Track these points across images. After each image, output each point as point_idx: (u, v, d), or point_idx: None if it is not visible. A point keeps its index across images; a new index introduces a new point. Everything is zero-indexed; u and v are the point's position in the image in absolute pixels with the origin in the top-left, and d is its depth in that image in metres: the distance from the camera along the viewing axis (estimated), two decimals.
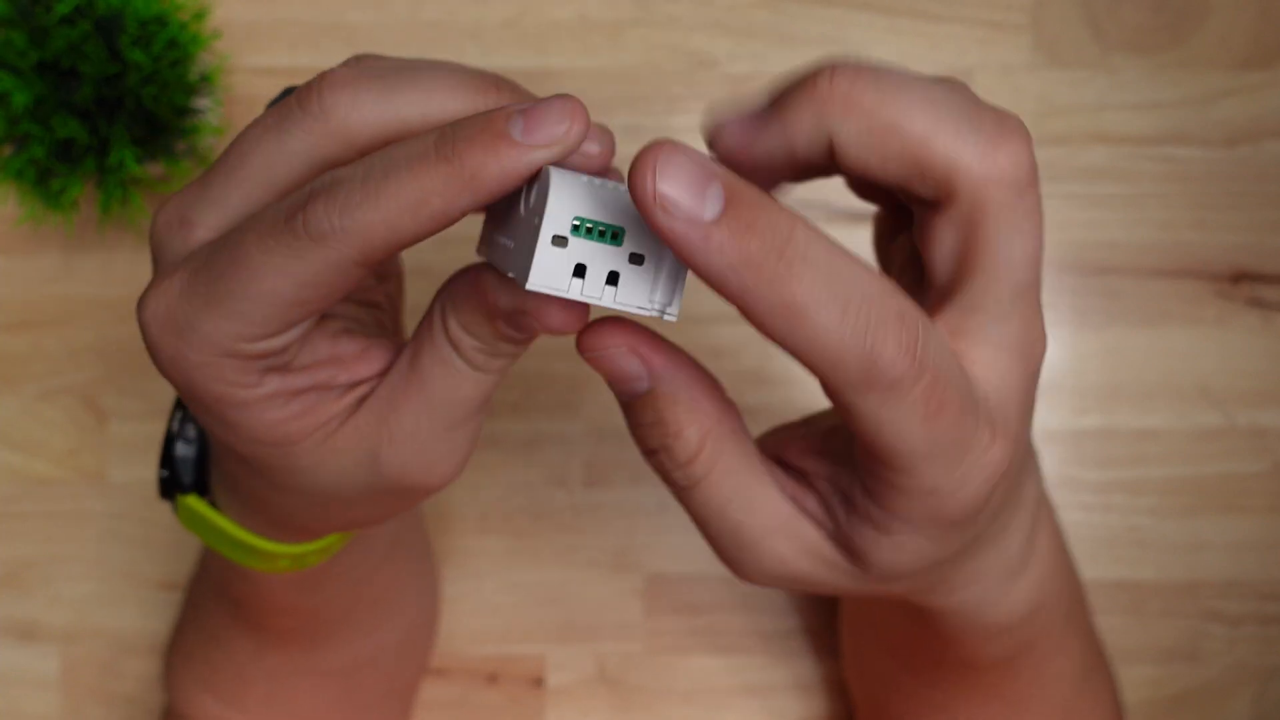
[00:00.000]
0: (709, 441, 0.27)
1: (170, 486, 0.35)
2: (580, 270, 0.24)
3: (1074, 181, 0.51)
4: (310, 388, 0.27)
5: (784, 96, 0.25)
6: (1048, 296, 0.51)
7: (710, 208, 0.22)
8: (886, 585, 0.29)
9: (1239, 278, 0.51)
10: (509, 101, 0.26)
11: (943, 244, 0.26)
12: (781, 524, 0.28)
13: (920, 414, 0.24)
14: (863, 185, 0.30)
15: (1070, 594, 0.36)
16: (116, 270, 0.51)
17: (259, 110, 0.51)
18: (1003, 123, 0.25)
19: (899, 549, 0.27)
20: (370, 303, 0.31)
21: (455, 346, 0.27)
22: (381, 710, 0.46)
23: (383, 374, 0.28)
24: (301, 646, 0.41)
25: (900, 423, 0.24)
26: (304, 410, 0.27)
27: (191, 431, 0.35)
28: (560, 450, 0.51)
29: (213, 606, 0.42)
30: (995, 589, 0.31)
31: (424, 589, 0.46)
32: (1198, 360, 0.51)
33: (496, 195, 0.24)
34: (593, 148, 0.27)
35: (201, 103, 0.48)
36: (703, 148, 0.51)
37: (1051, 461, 0.51)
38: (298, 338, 0.27)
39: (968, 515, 0.26)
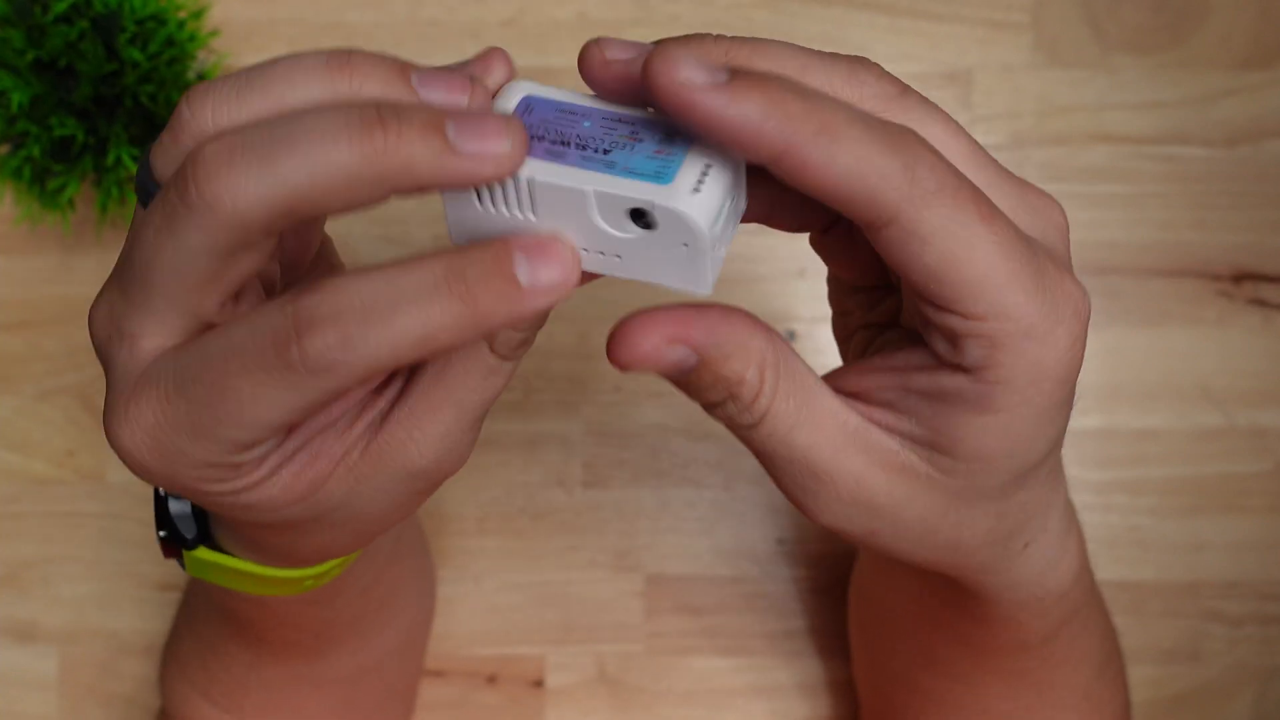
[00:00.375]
0: (767, 372, 0.26)
1: (173, 543, 0.34)
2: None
3: (1074, 181, 0.51)
4: (306, 441, 0.27)
5: (748, 83, 0.24)
6: None
7: (722, 74, 0.23)
8: (973, 525, 0.28)
9: (1240, 277, 0.51)
10: (402, 137, 0.24)
11: (913, 256, 0.25)
12: (852, 435, 0.27)
13: (977, 217, 0.24)
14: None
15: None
16: None
17: None
18: (924, 147, 0.24)
19: (997, 430, 0.26)
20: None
21: (490, 342, 0.27)
22: (382, 713, 0.46)
23: (385, 387, 0.28)
24: (305, 658, 0.40)
25: (963, 235, 0.24)
26: (313, 458, 0.27)
27: None
28: (560, 450, 0.51)
29: (210, 617, 0.41)
30: (1057, 547, 0.31)
31: (424, 587, 0.46)
32: (1198, 360, 0.51)
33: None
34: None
35: None
36: None
37: None
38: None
39: (1069, 369, 0.26)
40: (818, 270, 0.51)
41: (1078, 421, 0.51)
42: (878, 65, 0.26)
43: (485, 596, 0.51)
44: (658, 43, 0.25)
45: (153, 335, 0.26)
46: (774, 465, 0.28)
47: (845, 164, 0.23)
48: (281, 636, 0.39)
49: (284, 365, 0.24)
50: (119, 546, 0.51)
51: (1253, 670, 0.51)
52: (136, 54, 0.45)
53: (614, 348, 0.26)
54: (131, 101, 0.46)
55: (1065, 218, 0.27)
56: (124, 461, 0.26)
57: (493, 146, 0.23)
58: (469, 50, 0.51)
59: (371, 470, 0.28)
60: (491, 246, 0.24)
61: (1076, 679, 0.37)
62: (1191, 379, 0.51)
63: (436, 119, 0.23)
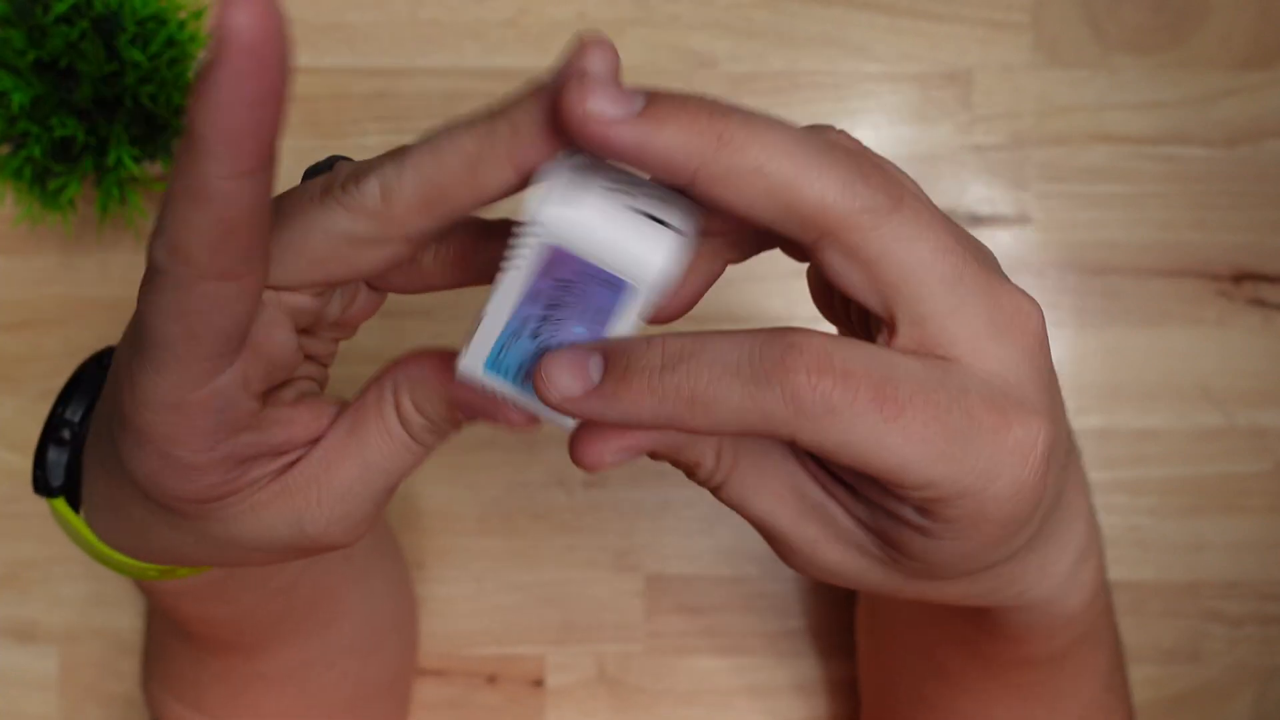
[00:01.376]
0: (724, 452, 0.27)
1: (40, 486, 0.34)
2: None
3: (1074, 181, 0.51)
4: (255, 455, 0.27)
5: (662, 104, 0.24)
6: (1048, 296, 0.51)
7: (595, 375, 0.24)
8: (940, 590, 0.28)
9: (1240, 277, 0.51)
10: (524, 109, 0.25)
11: (850, 276, 0.25)
12: (810, 508, 0.27)
13: (880, 417, 0.23)
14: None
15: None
16: (115, 270, 0.51)
17: None
18: (861, 162, 0.24)
19: (949, 552, 0.26)
20: (322, 360, 0.30)
21: (404, 423, 0.28)
22: (354, 712, 0.46)
23: (316, 438, 0.28)
24: (238, 653, 0.40)
25: (870, 437, 0.24)
26: (243, 473, 0.27)
27: (66, 434, 0.34)
28: (560, 450, 0.51)
29: (156, 617, 0.42)
30: (1069, 579, 0.31)
31: (375, 590, 0.46)
32: (1198, 360, 0.51)
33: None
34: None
35: None
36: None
37: None
38: (236, 382, 0.26)
39: (1017, 510, 0.25)
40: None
41: (1078, 421, 0.51)
42: (890, 168, 0.25)
43: (485, 596, 0.51)
44: (651, 97, 0.24)
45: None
46: (744, 517, 0.29)
47: (725, 421, 0.24)
48: (201, 631, 0.39)
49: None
50: None
51: (1253, 670, 0.51)
52: (137, 54, 0.45)
53: (576, 458, 0.27)
54: (132, 102, 0.46)
55: (1041, 321, 0.26)
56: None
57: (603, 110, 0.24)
58: (469, 51, 0.51)
59: (268, 504, 0.28)
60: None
61: (1085, 693, 0.37)
62: (1191, 379, 0.51)
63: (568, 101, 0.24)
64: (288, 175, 0.51)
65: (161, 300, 0.23)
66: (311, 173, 0.28)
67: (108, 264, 0.51)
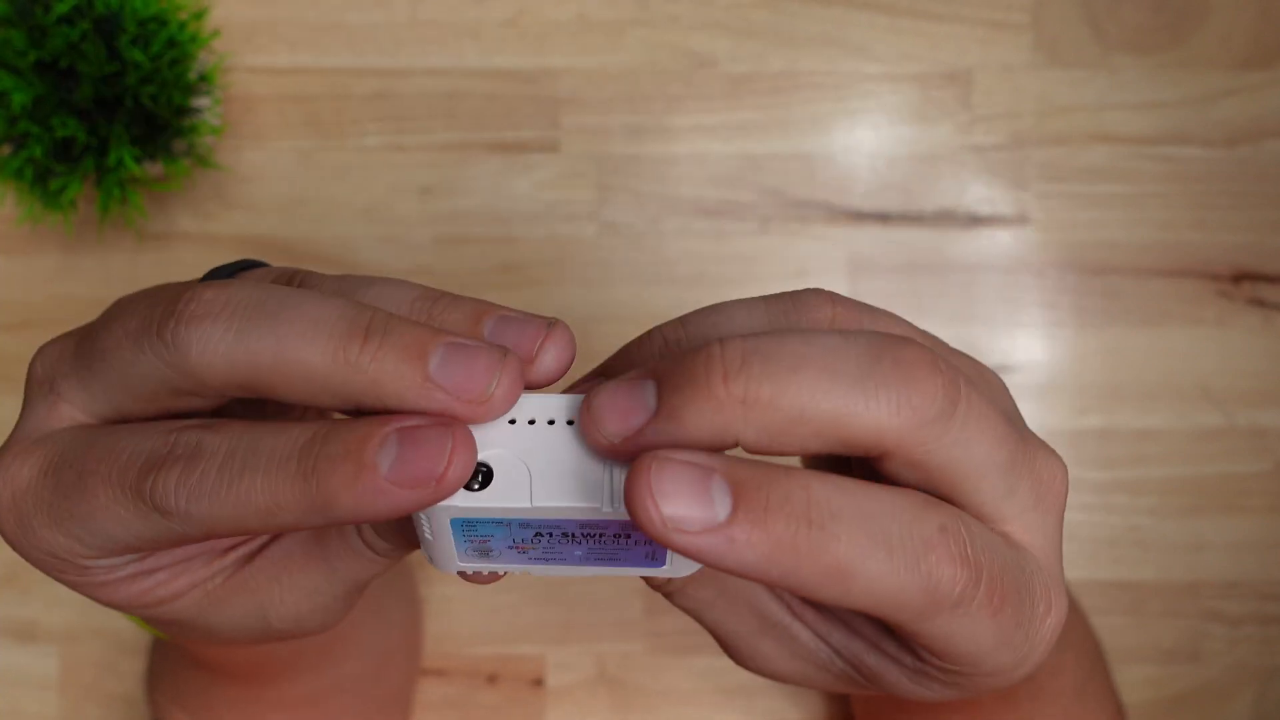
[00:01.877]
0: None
1: None
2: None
3: (1074, 181, 0.51)
4: (174, 562, 0.26)
5: (673, 392, 0.21)
6: (1048, 296, 0.51)
7: (721, 508, 0.20)
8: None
9: (1239, 277, 0.51)
10: (376, 356, 0.22)
11: (908, 478, 0.23)
12: (768, 628, 0.26)
13: (987, 615, 0.22)
14: None
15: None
16: (115, 270, 0.51)
17: (258, 110, 0.51)
18: (902, 364, 0.22)
19: (931, 694, 0.25)
20: None
21: (369, 545, 0.26)
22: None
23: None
24: (255, 682, 0.40)
25: (969, 630, 0.22)
26: (172, 577, 0.26)
27: None
28: None
29: (168, 644, 0.41)
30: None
31: (387, 620, 0.45)
32: (1198, 360, 0.51)
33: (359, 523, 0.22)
34: (548, 365, 0.24)
35: (200, 102, 0.48)
36: (689, 145, 0.51)
37: None
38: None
39: (1023, 677, 0.25)
40: (817, 270, 0.51)
41: (1078, 421, 0.51)
42: (935, 364, 0.22)
43: (485, 596, 0.51)
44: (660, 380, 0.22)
45: (77, 407, 0.25)
46: (695, 618, 0.27)
47: (860, 598, 0.21)
48: (219, 663, 0.38)
49: (137, 493, 0.22)
50: None
51: (1252, 670, 0.51)
52: (138, 55, 0.45)
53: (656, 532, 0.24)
54: (133, 102, 0.46)
55: (1067, 483, 0.25)
56: None
57: (478, 386, 0.21)
58: (469, 51, 0.51)
59: (228, 599, 0.27)
60: (362, 422, 0.21)
61: (1054, 709, 0.36)
62: (1191, 379, 0.51)
63: (422, 342, 0.21)
64: (289, 170, 0.51)
65: (131, 520, 0.23)
66: (215, 274, 0.27)
67: (108, 264, 0.51)
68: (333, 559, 0.26)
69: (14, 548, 0.25)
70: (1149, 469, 0.51)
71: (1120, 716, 0.40)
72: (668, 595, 0.27)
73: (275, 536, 0.27)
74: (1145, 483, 0.51)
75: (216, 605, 0.27)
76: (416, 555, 0.51)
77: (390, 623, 0.46)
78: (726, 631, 0.27)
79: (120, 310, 0.24)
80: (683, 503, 0.20)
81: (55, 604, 0.51)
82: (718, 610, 0.26)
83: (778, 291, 0.24)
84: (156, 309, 0.23)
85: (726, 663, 0.51)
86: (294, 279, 0.25)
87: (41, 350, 0.26)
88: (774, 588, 0.22)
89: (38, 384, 0.25)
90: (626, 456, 0.22)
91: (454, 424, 0.21)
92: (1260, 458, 0.51)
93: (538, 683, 0.51)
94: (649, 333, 0.25)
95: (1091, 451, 0.51)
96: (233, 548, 0.27)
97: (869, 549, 0.21)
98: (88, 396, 0.25)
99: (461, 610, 0.51)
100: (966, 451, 0.22)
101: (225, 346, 0.22)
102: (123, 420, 0.25)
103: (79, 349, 0.25)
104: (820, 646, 0.27)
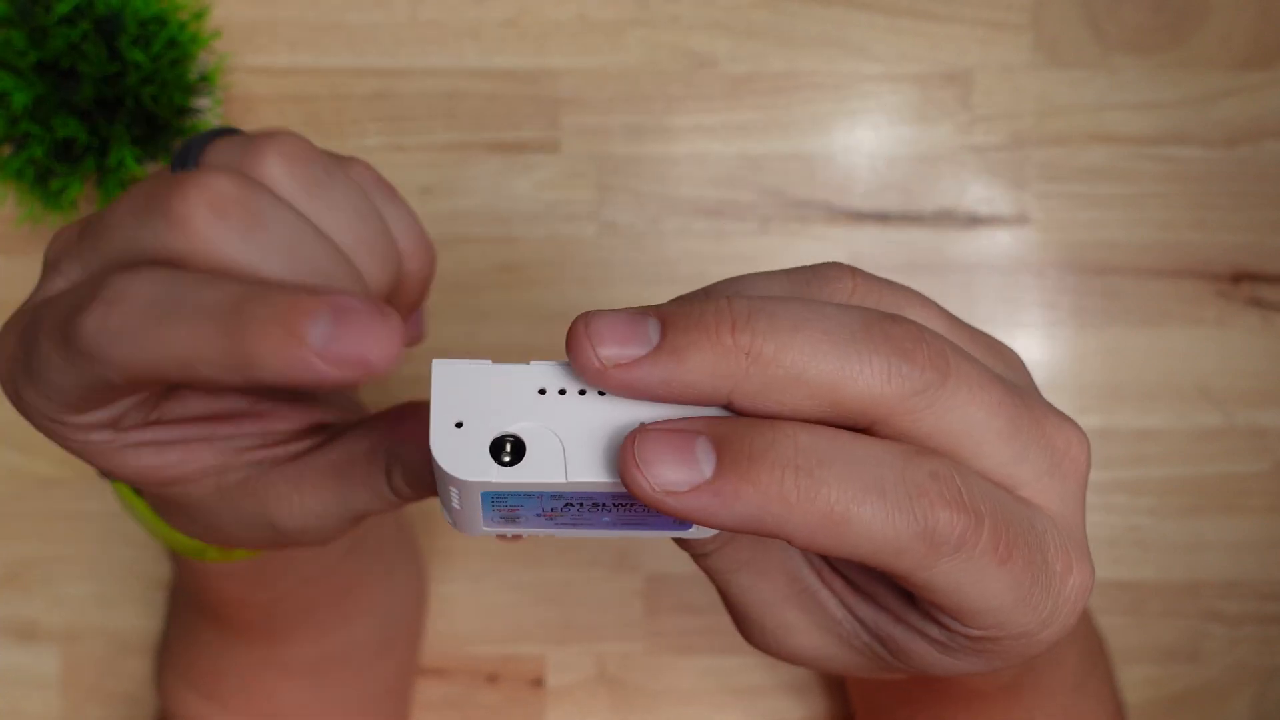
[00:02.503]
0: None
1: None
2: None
3: (1074, 181, 0.51)
4: (184, 438, 0.26)
5: (679, 333, 0.22)
6: (1048, 296, 0.51)
7: (706, 466, 0.21)
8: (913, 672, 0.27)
9: (1239, 278, 0.51)
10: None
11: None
12: (796, 594, 0.26)
13: (993, 561, 0.22)
14: None
15: None
16: None
17: (258, 110, 0.51)
18: (892, 336, 0.22)
19: (957, 667, 0.25)
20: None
21: (394, 489, 0.27)
22: (365, 711, 0.46)
23: (297, 434, 0.28)
24: (265, 640, 0.41)
25: (979, 579, 0.22)
26: (186, 458, 0.27)
27: None
28: None
29: (184, 602, 0.42)
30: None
31: (397, 588, 0.46)
32: (1198, 360, 0.51)
33: (277, 388, 0.22)
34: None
35: (201, 102, 0.48)
36: (699, 147, 0.51)
37: None
38: (136, 405, 0.25)
39: (1049, 645, 0.25)
40: None
41: (1078, 421, 0.51)
42: (922, 339, 0.23)
43: (485, 596, 0.51)
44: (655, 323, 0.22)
45: (68, 279, 0.25)
46: (719, 590, 0.27)
47: (856, 545, 0.21)
48: (236, 616, 0.39)
49: (64, 337, 0.22)
50: (121, 546, 0.51)
51: (1252, 670, 0.51)
52: (139, 55, 0.45)
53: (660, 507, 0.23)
54: (134, 102, 0.46)
55: (1088, 452, 0.25)
56: None
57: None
58: (469, 51, 0.51)
59: (239, 499, 0.27)
60: (294, 291, 0.21)
61: (1054, 705, 0.36)
62: (1191, 379, 0.51)
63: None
64: None
65: (65, 365, 0.23)
66: (189, 146, 0.27)
67: None
68: (348, 490, 0.27)
69: (23, 417, 0.26)
70: (1148, 469, 0.51)
71: (1121, 714, 0.40)
72: (702, 558, 0.27)
73: (299, 455, 0.27)
74: (1145, 483, 0.51)
75: (228, 501, 0.27)
76: (430, 544, 0.51)
77: (399, 591, 0.46)
78: (753, 599, 0.27)
79: (135, 190, 0.24)
80: (669, 467, 0.21)
81: (56, 603, 0.51)
82: (750, 572, 0.26)
83: (799, 266, 0.24)
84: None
85: (727, 662, 0.51)
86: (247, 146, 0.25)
87: (54, 236, 0.26)
88: (773, 538, 0.22)
89: (46, 266, 0.26)
90: (613, 387, 0.22)
91: (387, 309, 0.21)
92: (1260, 458, 0.51)
93: (538, 683, 0.51)
94: (672, 301, 0.25)
95: (1091, 451, 0.51)
96: (254, 450, 0.27)
97: (861, 494, 0.21)
98: (80, 268, 0.25)
99: (461, 610, 0.51)
100: (961, 418, 0.23)
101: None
102: None
103: (90, 230, 0.25)
104: (846, 617, 0.27)
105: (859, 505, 0.21)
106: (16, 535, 0.51)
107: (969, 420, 0.23)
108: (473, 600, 0.51)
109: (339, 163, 0.27)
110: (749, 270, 0.51)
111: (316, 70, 0.51)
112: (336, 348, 0.20)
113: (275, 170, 0.25)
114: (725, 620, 0.51)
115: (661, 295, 0.51)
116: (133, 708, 0.51)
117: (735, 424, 0.21)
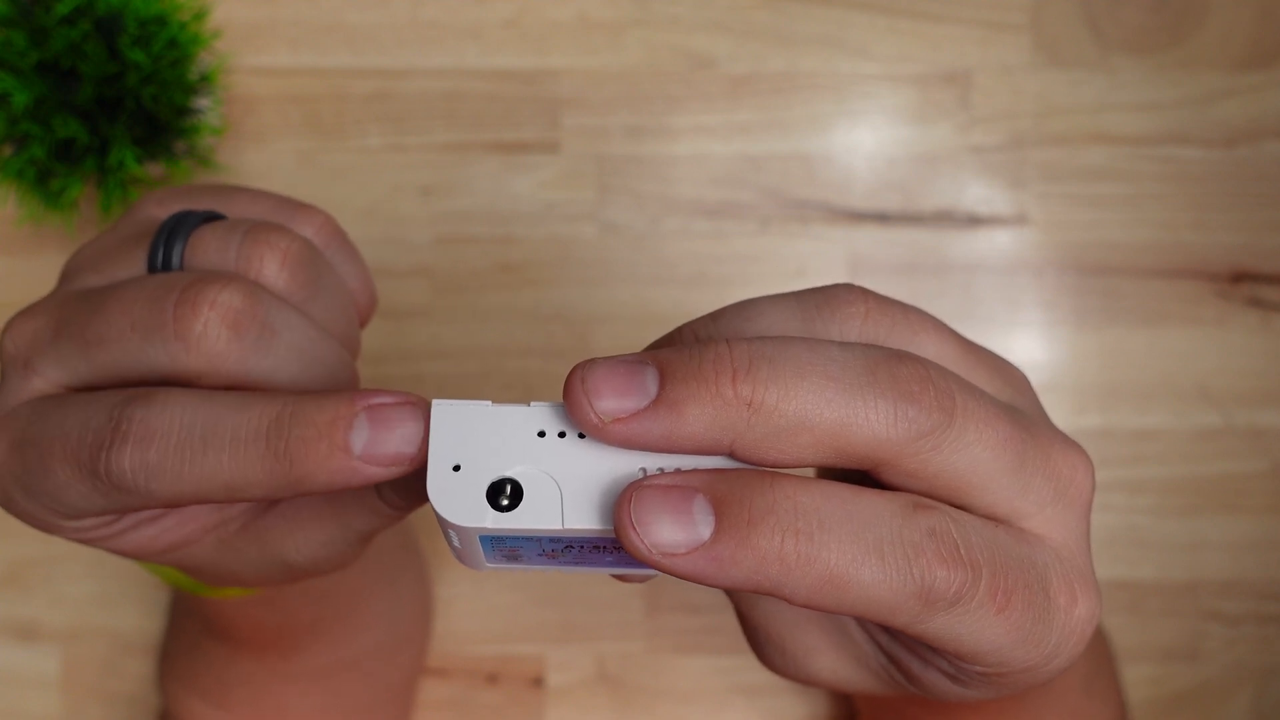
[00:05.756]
0: None
1: None
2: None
3: (1073, 182, 0.51)
4: (176, 513, 0.27)
5: (677, 384, 0.21)
6: (1047, 296, 0.51)
7: (704, 527, 0.20)
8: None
9: (1238, 278, 0.51)
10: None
11: (910, 488, 0.23)
12: (817, 616, 0.26)
13: (992, 611, 0.22)
14: None
15: None
16: None
17: (259, 110, 0.51)
18: (898, 379, 0.22)
19: (971, 694, 0.25)
20: None
21: (387, 502, 0.27)
22: (373, 713, 0.46)
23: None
24: (274, 654, 0.41)
25: (976, 628, 0.22)
26: (181, 522, 0.27)
27: None
28: None
29: (187, 613, 0.42)
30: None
31: (403, 594, 0.46)
32: (1197, 360, 0.51)
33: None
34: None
35: (201, 103, 0.48)
36: (690, 168, 0.51)
37: None
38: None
39: (1056, 675, 0.24)
40: (817, 270, 0.51)
41: (1076, 421, 0.51)
42: (929, 378, 0.22)
43: (485, 596, 0.51)
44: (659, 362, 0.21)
45: (51, 382, 0.25)
46: (737, 609, 0.27)
47: (854, 605, 0.21)
48: (242, 632, 0.39)
49: (92, 472, 0.23)
50: None
51: (1251, 669, 0.51)
52: (139, 55, 0.45)
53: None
54: (134, 103, 0.46)
55: (1092, 476, 0.25)
56: None
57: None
58: (469, 51, 0.51)
59: (243, 548, 0.27)
60: (329, 403, 0.22)
61: (1062, 705, 0.36)
62: (1190, 379, 0.51)
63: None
64: (290, 170, 0.51)
65: (90, 494, 0.23)
66: (180, 220, 0.26)
67: None
68: (346, 514, 0.27)
69: (13, 517, 0.25)
70: (1148, 469, 0.51)
71: (1124, 713, 0.40)
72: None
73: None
74: (1144, 482, 0.51)
75: (233, 552, 0.27)
76: (431, 546, 0.51)
77: (405, 596, 0.46)
78: (777, 622, 0.26)
79: (127, 291, 0.24)
80: (666, 528, 0.20)
81: (57, 603, 0.51)
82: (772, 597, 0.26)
83: (810, 288, 0.24)
84: (167, 322, 0.23)
85: (728, 662, 0.51)
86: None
87: (11, 326, 0.25)
88: (761, 594, 0.22)
89: (13, 358, 0.25)
90: (612, 441, 0.21)
91: (420, 402, 0.22)
92: (1259, 457, 0.51)
93: (538, 683, 0.51)
94: (678, 330, 0.24)
95: (1090, 451, 0.51)
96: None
97: (860, 557, 0.21)
98: (70, 374, 0.25)
99: (461, 610, 0.51)
100: (967, 458, 0.22)
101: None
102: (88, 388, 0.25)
103: (60, 325, 0.25)
104: (865, 640, 0.27)
105: (857, 568, 0.21)
106: (17, 535, 0.51)
107: (975, 459, 0.22)
108: (473, 600, 0.51)
109: (318, 248, 0.27)
110: (749, 270, 0.51)
111: (316, 70, 0.51)
112: (379, 450, 0.21)
113: (275, 273, 0.25)
114: (725, 619, 0.51)
115: (662, 295, 0.51)
116: (133, 708, 0.51)
117: (734, 482, 0.21)
